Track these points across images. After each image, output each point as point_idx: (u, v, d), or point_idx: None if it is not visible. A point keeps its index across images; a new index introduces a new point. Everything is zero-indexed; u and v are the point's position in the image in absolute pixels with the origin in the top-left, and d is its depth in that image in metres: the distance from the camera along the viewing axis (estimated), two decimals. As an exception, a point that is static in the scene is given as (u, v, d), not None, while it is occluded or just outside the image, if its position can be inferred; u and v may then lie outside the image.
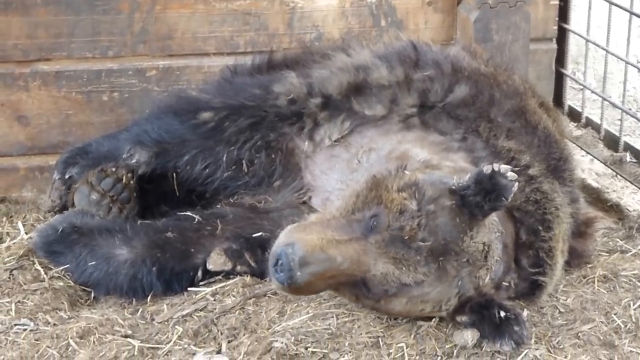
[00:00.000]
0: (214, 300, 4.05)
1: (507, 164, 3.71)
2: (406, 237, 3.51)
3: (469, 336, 3.58)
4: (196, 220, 4.31)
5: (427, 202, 3.54)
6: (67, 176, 4.64)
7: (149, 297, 4.14)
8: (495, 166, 3.47)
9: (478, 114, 4.03)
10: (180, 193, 4.54)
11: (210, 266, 4.18)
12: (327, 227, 3.61)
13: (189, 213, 4.35)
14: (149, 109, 4.85)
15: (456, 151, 3.95)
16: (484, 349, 3.56)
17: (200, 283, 4.18)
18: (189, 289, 4.16)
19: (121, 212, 4.46)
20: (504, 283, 3.72)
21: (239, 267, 4.19)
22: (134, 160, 4.53)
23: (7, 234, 4.61)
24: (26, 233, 4.57)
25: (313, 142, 4.30)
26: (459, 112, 4.06)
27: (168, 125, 4.54)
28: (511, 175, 3.46)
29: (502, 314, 3.50)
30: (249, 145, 4.35)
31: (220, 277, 4.19)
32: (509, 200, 3.47)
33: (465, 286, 3.57)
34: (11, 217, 4.80)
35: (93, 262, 4.20)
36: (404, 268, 3.51)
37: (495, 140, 3.96)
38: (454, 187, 3.55)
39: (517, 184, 3.46)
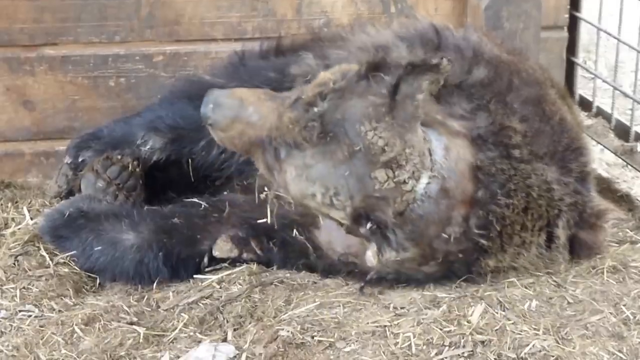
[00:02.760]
0: (220, 288, 4.04)
1: (497, 140, 3.75)
2: (306, 101, 3.61)
3: (370, 256, 3.55)
4: (203, 206, 4.29)
5: (345, 79, 3.62)
6: (80, 159, 4.61)
7: (154, 284, 4.13)
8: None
9: (493, 96, 3.97)
10: (195, 179, 4.51)
11: (216, 253, 4.16)
12: (265, 93, 3.79)
13: (195, 200, 4.34)
14: (161, 94, 4.83)
15: (457, 119, 3.87)
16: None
17: (207, 269, 4.16)
18: (195, 276, 4.15)
19: (128, 199, 4.45)
20: (443, 235, 3.68)
21: (245, 255, 4.17)
22: (148, 147, 4.51)
23: (13, 219, 4.59)
24: (31, 219, 4.55)
25: None
26: (473, 90, 3.97)
27: (182, 111, 4.51)
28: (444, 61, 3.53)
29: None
30: None
31: (226, 264, 4.17)
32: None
33: (356, 183, 3.56)
34: (16, 202, 4.78)
35: (99, 247, 4.18)
36: (292, 127, 3.59)
37: (503, 119, 3.90)
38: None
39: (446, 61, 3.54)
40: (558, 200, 3.88)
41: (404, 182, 3.60)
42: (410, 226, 3.68)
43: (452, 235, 3.72)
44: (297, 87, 3.80)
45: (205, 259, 4.18)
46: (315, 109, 3.60)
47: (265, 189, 3.99)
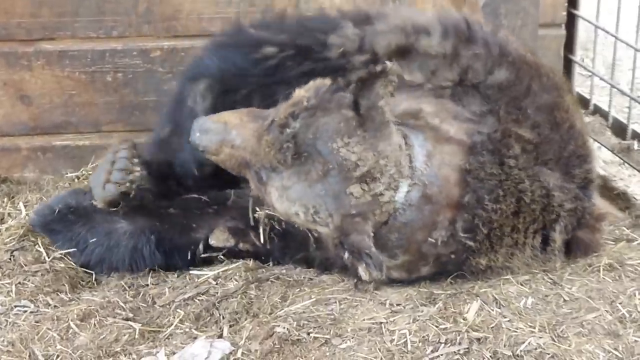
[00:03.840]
0: (216, 284, 4.04)
1: (497, 146, 3.79)
2: (279, 122, 3.63)
3: (361, 271, 3.53)
4: (202, 200, 4.29)
5: (318, 97, 3.64)
6: None
7: (150, 280, 4.13)
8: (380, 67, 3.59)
9: (509, 100, 3.98)
10: None
11: (212, 241, 4.16)
12: (249, 114, 3.82)
13: (195, 195, 4.33)
14: (205, 47, 4.74)
15: (462, 121, 3.89)
16: None
17: (202, 255, 4.18)
18: (191, 272, 4.15)
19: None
20: (430, 239, 3.71)
21: (241, 245, 4.16)
22: (198, 94, 4.45)
23: (9, 214, 4.59)
24: (27, 214, 4.55)
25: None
26: (490, 92, 3.99)
27: (228, 58, 4.42)
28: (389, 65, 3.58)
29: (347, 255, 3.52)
30: None
31: (222, 256, 4.19)
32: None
33: (333, 201, 3.59)
34: (12, 197, 4.78)
35: (94, 239, 4.19)
36: (268, 150, 3.62)
37: (511, 125, 3.91)
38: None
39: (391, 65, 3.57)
40: (557, 206, 3.90)
41: (381, 194, 3.63)
42: (397, 234, 3.72)
43: (439, 239, 3.75)
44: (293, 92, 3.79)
45: (201, 247, 4.18)
46: (288, 130, 3.62)
47: (257, 208, 4.06)
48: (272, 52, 4.31)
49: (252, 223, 4.11)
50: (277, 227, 4.11)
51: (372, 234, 3.58)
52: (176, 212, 4.24)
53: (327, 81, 3.73)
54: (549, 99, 4.05)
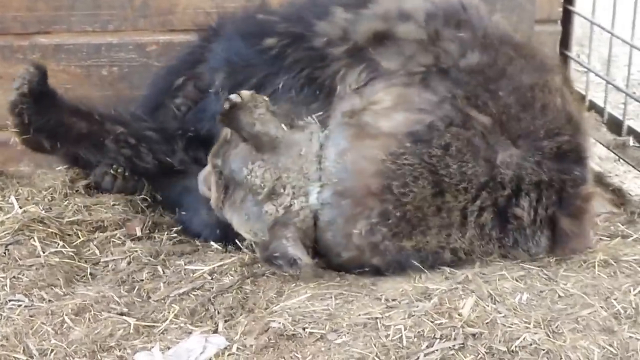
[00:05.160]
0: (212, 279, 4.04)
1: (430, 137, 3.88)
2: (211, 163, 4.07)
3: None
4: None
5: (226, 135, 4.02)
6: None
7: (144, 273, 4.14)
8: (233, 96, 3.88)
9: (478, 83, 3.99)
10: None
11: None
12: None
13: None
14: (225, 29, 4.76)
15: (412, 112, 3.95)
16: None
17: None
18: (186, 267, 4.15)
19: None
20: (354, 231, 3.88)
21: None
22: (217, 82, 4.51)
23: (1, 208, 4.57)
24: (20, 207, 4.53)
25: (342, 86, 4.19)
26: (460, 75, 4.01)
27: (236, 48, 4.51)
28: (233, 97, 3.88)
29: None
30: (302, 75, 4.30)
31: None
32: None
33: (256, 222, 3.96)
34: (3, 190, 4.79)
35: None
36: (214, 193, 4.08)
37: (469, 110, 3.94)
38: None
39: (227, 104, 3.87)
40: (508, 181, 3.91)
41: (290, 204, 3.93)
42: (329, 232, 3.95)
43: (362, 229, 3.89)
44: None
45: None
46: (216, 169, 4.03)
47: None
48: (273, 43, 4.37)
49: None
50: None
51: (291, 236, 3.86)
52: None
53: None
54: (527, 80, 4.04)
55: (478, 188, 3.90)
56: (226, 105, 3.89)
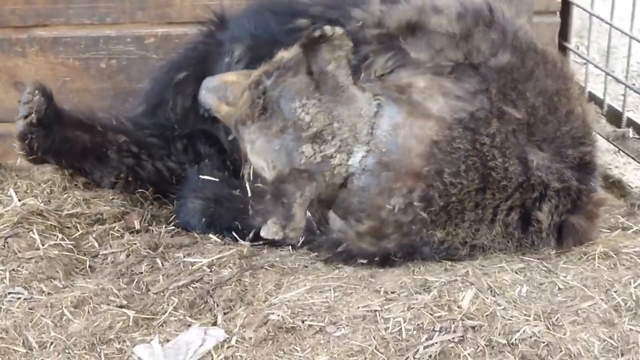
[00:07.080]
0: (210, 271, 4.04)
1: (476, 126, 3.90)
2: (254, 79, 3.97)
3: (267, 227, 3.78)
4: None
5: (293, 59, 3.94)
6: None
7: (143, 266, 4.13)
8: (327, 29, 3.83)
9: (507, 81, 4.02)
10: None
11: (262, 233, 4.17)
12: (246, 73, 4.17)
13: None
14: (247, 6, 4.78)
15: (451, 99, 3.97)
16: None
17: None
18: (184, 259, 4.15)
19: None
20: (387, 205, 3.85)
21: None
22: (237, 52, 4.55)
23: (0, 201, 4.56)
24: (19, 200, 4.53)
25: (367, 73, 4.21)
26: (489, 73, 4.04)
27: (264, 23, 4.55)
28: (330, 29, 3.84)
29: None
30: None
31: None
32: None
33: (286, 157, 3.87)
34: (2, 183, 4.79)
35: None
36: (242, 105, 3.97)
37: (502, 104, 3.96)
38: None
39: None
40: (538, 185, 3.92)
41: (332, 156, 3.87)
42: (357, 198, 3.92)
43: (396, 206, 3.87)
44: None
45: (251, 235, 4.29)
46: (260, 87, 3.93)
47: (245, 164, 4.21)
48: (305, 24, 4.42)
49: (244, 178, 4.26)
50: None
51: (307, 194, 3.79)
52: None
53: None
54: (552, 85, 4.08)
55: (514, 187, 3.92)
56: (316, 34, 3.84)
